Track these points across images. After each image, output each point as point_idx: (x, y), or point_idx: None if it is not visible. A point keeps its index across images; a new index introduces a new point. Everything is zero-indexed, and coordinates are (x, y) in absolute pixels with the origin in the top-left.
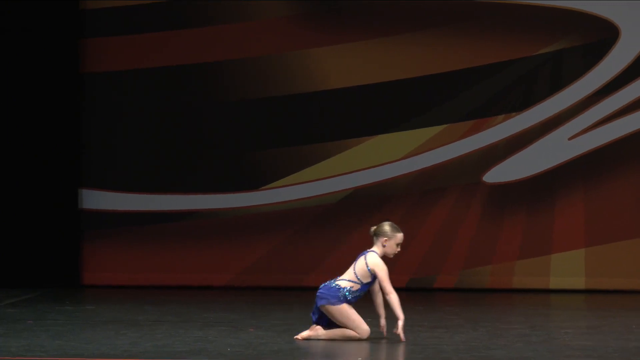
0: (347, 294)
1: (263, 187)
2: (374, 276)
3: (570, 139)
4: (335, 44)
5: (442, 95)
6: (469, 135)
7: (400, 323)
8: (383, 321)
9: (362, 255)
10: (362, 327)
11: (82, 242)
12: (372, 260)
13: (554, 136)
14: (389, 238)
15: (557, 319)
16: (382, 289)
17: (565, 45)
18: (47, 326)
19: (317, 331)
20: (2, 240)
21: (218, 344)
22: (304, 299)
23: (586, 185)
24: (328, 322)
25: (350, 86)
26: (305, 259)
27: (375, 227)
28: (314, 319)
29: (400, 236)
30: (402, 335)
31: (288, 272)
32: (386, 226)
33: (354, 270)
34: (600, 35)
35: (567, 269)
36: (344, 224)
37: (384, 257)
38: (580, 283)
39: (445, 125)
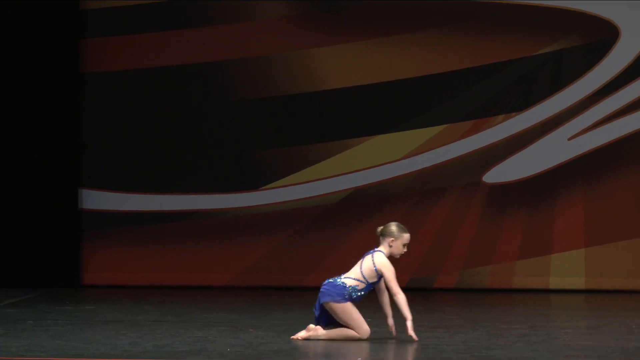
0: (352, 292)
1: (263, 187)
2: (379, 276)
3: (570, 139)
4: (335, 44)
5: (442, 95)
6: (469, 135)
7: (409, 324)
8: (391, 320)
9: (369, 254)
10: (363, 327)
11: (82, 242)
12: (379, 261)
13: (554, 136)
14: (396, 238)
15: (557, 319)
16: (389, 289)
17: (565, 45)
18: (47, 326)
19: (317, 331)
20: (2, 240)
21: (218, 344)
22: (304, 299)
23: (586, 185)
24: (327, 319)
25: (350, 86)
26: (305, 259)
27: (382, 227)
28: (316, 314)
29: (407, 236)
30: (414, 336)
31: (288, 272)
32: (393, 226)
33: (361, 269)
34: (600, 35)
35: (567, 269)
36: (344, 224)
37: (390, 257)
38: (580, 283)
39: (445, 125)
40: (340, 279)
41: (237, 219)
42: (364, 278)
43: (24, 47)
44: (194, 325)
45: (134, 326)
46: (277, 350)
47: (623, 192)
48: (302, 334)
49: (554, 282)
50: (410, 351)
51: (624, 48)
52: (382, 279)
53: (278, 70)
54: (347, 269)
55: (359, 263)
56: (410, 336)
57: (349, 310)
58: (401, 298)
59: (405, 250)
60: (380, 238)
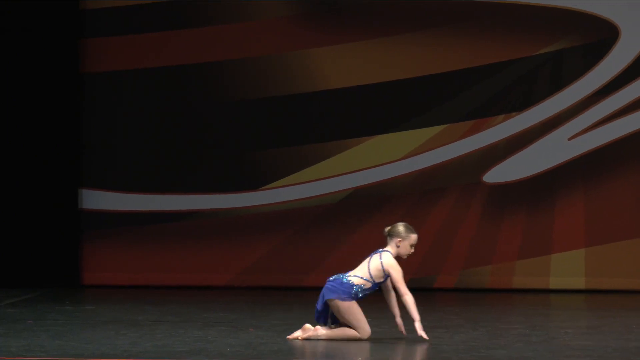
0: (358, 291)
1: (263, 187)
2: (386, 276)
3: (570, 139)
4: (335, 44)
5: (442, 95)
6: (469, 135)
7: (417, 324)
8: (399, 320)
9: (376, 253)
10: (365, 328)
11: (82, 242)
12: (387, 261)
13: (554, 136)
14: (403, 239)
15: (557, 319)
16: (396, 290)
17: (565, 45)
18: (47, 326)
19: (317, 331)
20: (2, 240)
21: (218, 344)
22: (304, 299)
23: (586, 185)
24: (327, 316)
25: (350, 86)
26: (305, 259)
27: (389, 228)
28: (318, 308)
29: (414, 237)
30: (424, 335)
31: (288, 272)
32: (400, 227)
33: (368, 269)
34: (600, 35)
35: (567, 269)
36: (344, 224)
37: (398, 258)
38: (580, 283)
39: (445, 125)
40: (347, 276)
41: (237, 219)
42: (371, 278)
43: (24, 47)
44: (194, 325)
45: (134, 326)
46: (277, 350)
47: (623, 192)
48: (297, 333)
49: (554, 282)
50: (411, 351)
51: (624, 48)
52: (389, 279)
53: (278, 70)
54: (347, 268)
55: (366, 262)
56: (421, 336)
57: (354, 310)
58: (409, 299)
59: (412, 250)
60: (388, 238)
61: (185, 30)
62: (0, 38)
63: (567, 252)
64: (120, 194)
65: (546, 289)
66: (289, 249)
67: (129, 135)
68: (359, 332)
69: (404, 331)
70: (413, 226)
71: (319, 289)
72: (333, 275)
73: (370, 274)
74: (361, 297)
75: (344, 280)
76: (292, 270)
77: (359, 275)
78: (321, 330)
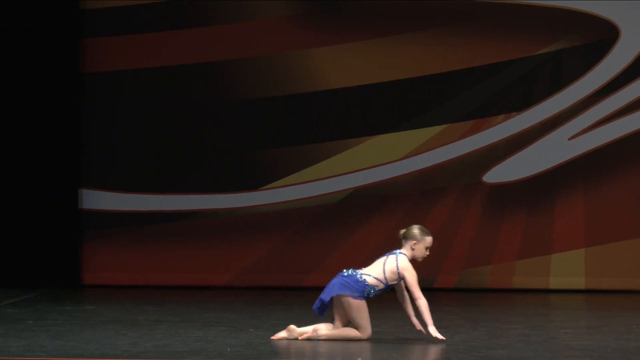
0: (371, 291)
1: (263, 187)
2: (400, 279)
3: (570, 139)
4: (335, 44)
5: (442, 95)
6: (469, 135)
7: (431, 329)
8: (415, 319)
9: (391, 254)
10: (368, 328)
11: (82, 242)
12: (402, 264)
13: (554, 136)
14: (418, 241)
15: (557, 319)
16: (410, 294)
17: (565, 45)
18: (47, 326)
19: (317, 331)
20: (2, 240)
21: (218, 344)
22: (304, 299)
23: (586, 185)
24: (325, 309)
25: (350, 86)
26: (305, 259)
27: (404, 230)
28: (325, 300)
29: (429, 239)
30: (440, 336)
31: (288, 272)
32: (415, 229)
33: (384, 270)
34: (600, 35)
35: (567, 269)
36: (344, 224)
37: (413, 260)
38: (580, 283)
39: (445, 125)
40: (361, 274)
41: (237, 219)
42: (385, 280)
43: (24, 47)
44: (194, 325)
45: (134, 326)
46: (277, 350)
47: (623, 192)
48: (282, 334)
49: (554, 282)
50: (411, 351)
51: (624, 48)
52: (402, 281)
53: (278, 70)
54: (348, 268)
55: (381, 262)
56: (436, 337)
57: (363, 309)
58: (423, 303)
59: (427, 253)
60: (403, 241)
61: (185, 30)
62: (0, 38)
63: (567, 252)
64: (120, 194)
65: (546, 289)
66: (289, 249)
67: (129, 135)
68: (361, 332)
69: (423, 330)
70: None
71: (319, 289)
72: (333, 274)
73: (384, 276)
74: (372, 297)
75: (359, 278)
76: (292, 270)
77: (373, 275)
78: (321, 331)
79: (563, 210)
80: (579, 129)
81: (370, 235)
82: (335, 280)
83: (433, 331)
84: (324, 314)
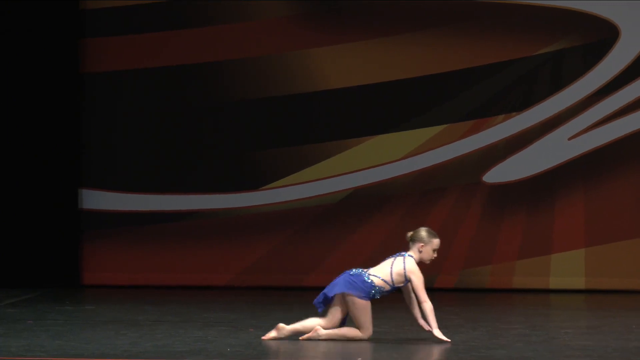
0: (377, 293)
1: (263, 187)
2: (407, 281)
3: (570, 139)
4: (335, 44)
5: (442, 95)
6: (469, 135)
7: (436, 332)
8: (422, 321)
9: (399, 256)
10: (369, 329)
11: (82, 242)
12: (410, 267)
13: (554, 136)
14: (426, 244)
15: (557, 319)
16: (416, 297)
17: (565, 45)
18: (47, 326)
19: (317, 331)
20: (2, 240)
21: (218, 344)
22: (304, 299)
23: (586, 185)
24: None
25: (350, 86)
26: (305, 259)
27: (411, 233)
28: (329, 295)
29: (436, 242)
30: (445, 338)
31: (288, 272)
32: (423, 232)
33: (391, 272)
34: (600, 35)
35: (567, 269)
36: (344, 224)
37: (420, 263)
38: (580, 283)
39: (445, 125)
40: (368, 274)
41: (237, 219)
42: (392, 282)
43: (24, 47)
44: (194, 325)
45: (134, 326)
46: (277, 350)
47: (623, 192)
48: (272, 334)
49: (554, 282)
50: (411, 351)
51: (624, 48)
52: (409, 283)
53: (278, 70)
54: (348, 268)
55: (388, 263)
56: (441, 340)
57: (367, 309)
58: (428, 307)
59: (435, 255)
60: (410, 243)
61: (185, 30)
62: (0, 38)
63: (567, 252)
64: (120, 194)
65: (546, 289)
66: (289, 249)
67: (129, 135)
68: (362, 331)
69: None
70: (413, 226)
71: (319, 289)
72: (333, 274)
73: (391, 278)
74: (377, 298)
75: (366, 278)
76: (292, 270)
77: (380, 276)
78: (321, 330)
79: (563, 210)
80: (579, 129)
81: (370, 235)
82: (342, 278)
83: (438, 334)
84: (324, 308)
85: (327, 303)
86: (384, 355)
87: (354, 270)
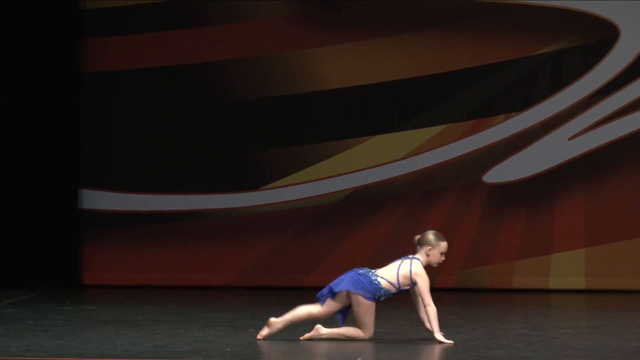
0: (382, 294)
1: (263, 187)
2: (413, 284)
3: (570, 139)
4: (335, 44)
5: (442, 95)
6: (469, 135)
7: (437, 335)
8: (429, 324)
9: (407, 259)
10: (371, 329)
11: (82, 242)
12: (416, 270)
13: (554, 136)
14: (433, 247)
15: (557, 319)
16: (421, 299)
17: (565, 45)
18: (47, 326)
19: (318, 330)
20: (2, 240)
21: (218, 344)
22: (304, 299)
23: (586, 185)
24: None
25: (350, 86)
26: (305, 259)
27: (419, 236)
28: (335, 290)
29: (444, 245)
30: (447, 342)
31: (288, 272)
32: (430, 235)
33: (398, 275)
34: (600, 35)
35: (567, 269)
36: (344, 224)
37: (428, 266)
38: (580, 283)
39: (445, 125)
40: (375, 275)
41: (237, 219)
42: (398, 284)
43: (24, 47)
44: (194, 325)
45: (134, 326)
46: (277, 350)
47: (623, 192)
48: (265, 331)
49: (554, 282)
50: (411, 351)
51: (624, 48)
52: (415, 286)
53: (278, 70)
54: (347, 268)
55: (395, 265)
56: (443, 342)
57: (371, 310)
58: (431, 310)
59: (443, 259)
60: (418, 247)
61: (185, 30)
62: (0, 38)
63: (567, 252)
64: (120, 194)
65: (546, 289)
66: (289, 249)
67: (129, 135)
68: (364, 331)
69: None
70: (413, 226)
71: (319, 289)
72: (333, 274)
73: (398, 280)
74: (382, 300)
75: (373, 279)
76: (292, 270)
77: (387, 278)
78: (322, 330)
79: (563, 210)
80: (579, 129)
81: (370, 235)
82: (349, 275)
83: (439, 337)
84: (325, 300)
85: (331, 297)
86: (384, 355)
87: (362, 269)
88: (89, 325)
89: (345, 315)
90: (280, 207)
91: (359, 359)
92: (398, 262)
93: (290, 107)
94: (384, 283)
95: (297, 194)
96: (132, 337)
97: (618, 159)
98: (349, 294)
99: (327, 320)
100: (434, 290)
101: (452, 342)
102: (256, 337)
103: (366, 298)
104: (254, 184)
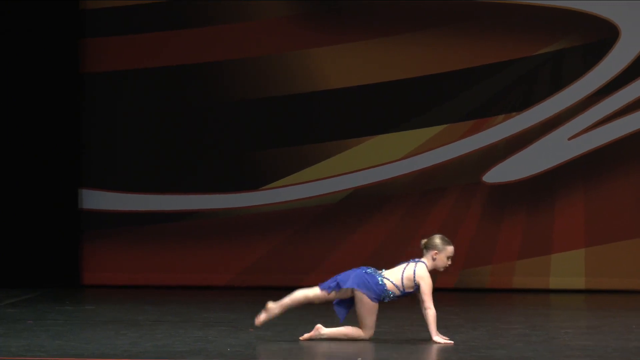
0: (386, 296)
1: (263, 187)
2: (417, 287)
3: (570, 139)
4: (335, 44)
5: (442, 95)
6: (469, 135)
7: (436, 338)
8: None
9: (412, 262)
10: (372, 330)
11: (82, 242)
12: (419, 272)
13: (554, 136)
14: (440, 251)
15: (557, 319)
16: (422, 301)
17: (565, 45)
18: (47, 326)
19: (319, 330)
20: (2, 240)
21: (218, 344)
22: None
23: (586, 185)
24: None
25: (350, 86)
26: (305, 259)
27: (425, 240)
28: (342, 286)
29: (450, 249)
30: (444, 341)
31: (288, 272)
32: (437, 239)
33: (402, 277)
34: (600, 35)
35: (567, 269)
36: (344, 224)
37: (434, 270)
38: (580, 283)
39: (445, 125)
40: (382, 276)
41: (237, 219)
42: (402, 286)
43: (24, 47)
44: (194, 325)
45: (134, 326)
46: (277, 350)
47: (623, 192)
48: (262, 316)
49: (554, 282)
50: (411, 351)
51: (624, 48)
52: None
53: (278, 70)
54: (347, 268)
55: (401, 268)
56: (439, 343)
57: (374, 311)
58: (430, 313)
59: (449, 262)
60: (424, 251)
61: (185, 30)
62: (0, 38)
63: (567, 252)
64: (120, 194)
65: (546, 289)
66: (289, 249)
67: (129, 135)
68: (364, 331)
69: (448, 340)
70: (413, 226)
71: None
72: (334, 274)
73: (402, 282)
74: (386, 301)
75: (379, 280)
76: (292, 270)
77: (392, 280)
78: (323, 330)
79: (563, 210)
80: (579, 129)
81: (370, 235)
82: (356, 273)
83: (437, 340)
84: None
85: (335, 290)
86: (384, 355)
87: (370, 269)
88: (89, 325)
89: (346, 313)
90: (280, 207)
91: (359, 359)
92: (404, 264)
93: (290, 107)
94: (389, 285)
95: (297, 194)
96: (132, 337)
97: (618, 159)
98: (353, 291)
99: (327, 320)
100: (434, 290)
101: (452, 342)
102: (259, 337)
103: (371, 298)
104: (254, 184)
